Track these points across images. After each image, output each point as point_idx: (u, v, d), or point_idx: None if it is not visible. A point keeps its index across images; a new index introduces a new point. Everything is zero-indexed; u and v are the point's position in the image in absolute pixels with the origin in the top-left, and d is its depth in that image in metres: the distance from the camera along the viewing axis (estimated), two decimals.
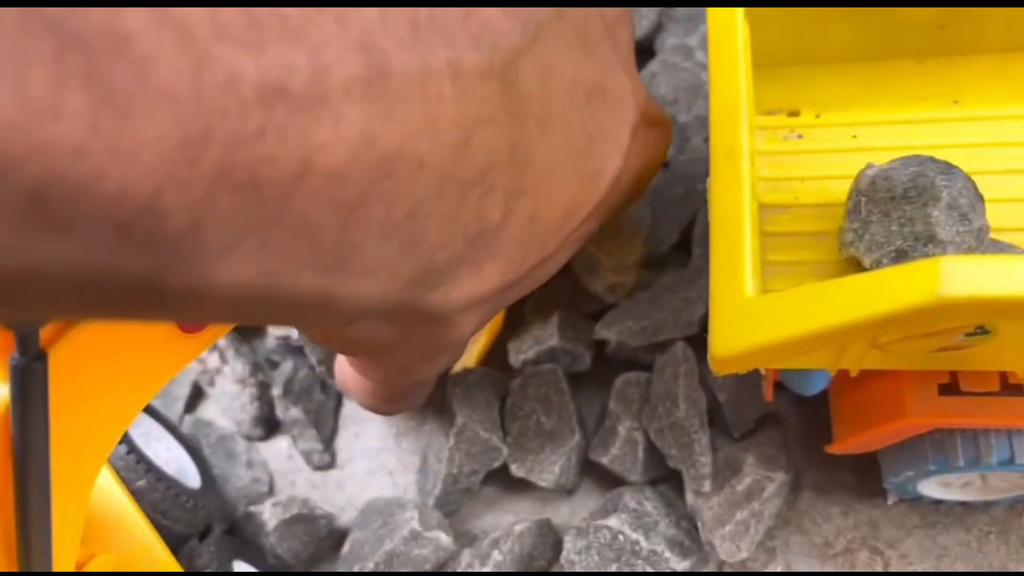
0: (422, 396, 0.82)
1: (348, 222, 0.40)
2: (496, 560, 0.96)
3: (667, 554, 0.93)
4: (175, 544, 0.95)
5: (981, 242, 0.75)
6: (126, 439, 0.93)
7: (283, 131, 0.35)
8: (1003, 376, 0.78)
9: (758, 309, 0.64)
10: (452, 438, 1.01)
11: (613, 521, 0.94)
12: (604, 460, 1.00)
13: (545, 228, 0.57)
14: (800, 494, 1.00)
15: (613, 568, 0.93)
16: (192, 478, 1.05)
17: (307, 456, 1.13)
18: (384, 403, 0.77)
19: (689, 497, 0.97)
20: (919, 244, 0.73)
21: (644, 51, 1.25)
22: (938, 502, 0.96)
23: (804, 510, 1.00)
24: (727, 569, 0.97)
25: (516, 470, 1.03)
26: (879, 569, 0.95)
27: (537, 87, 0.54)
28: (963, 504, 0.96)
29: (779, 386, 0.89)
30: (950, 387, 0.78)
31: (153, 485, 0.93)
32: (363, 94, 0.37)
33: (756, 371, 0.99)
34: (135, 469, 0.93)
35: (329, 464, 1.14)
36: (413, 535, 0.96)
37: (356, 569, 0.97)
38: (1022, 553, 0.94)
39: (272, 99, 0.34)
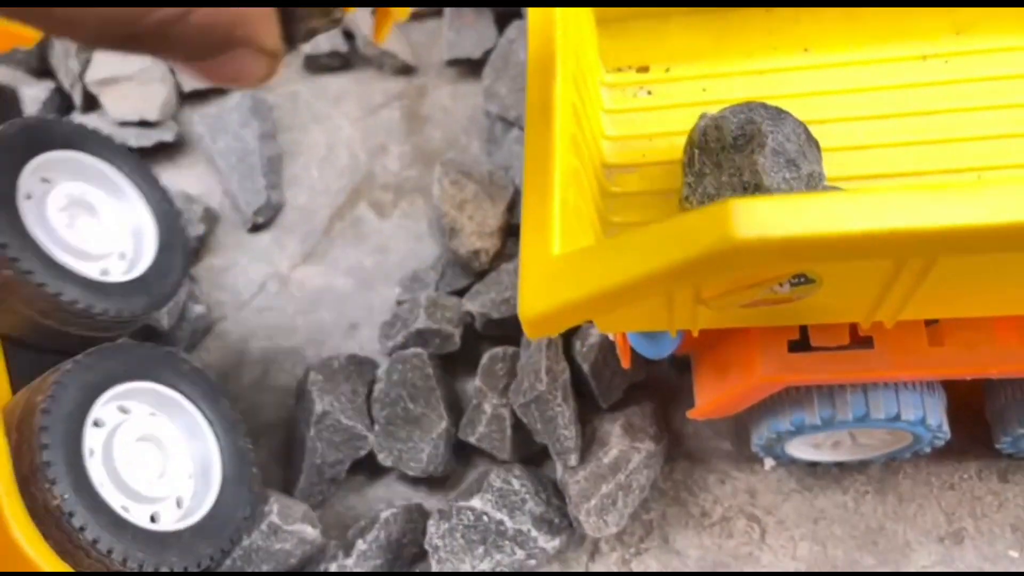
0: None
1: None
2: (361, 549, 0.92)
3: (534, 533, 0.89)
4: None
5: (813, 188, 0.72)
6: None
7: None
8: (852, 329, 0.75)
9: (563, 267, 0.61)
10: (313, 428, 0.97)
11: (476, 502, 0.90)
12: (472, 440, 0.96)
13: None
14: (677, 464, 0.97)
15: (480, 550, 0.90)
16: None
17: None
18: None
19: (558, 472, 0.93)
20: (747, 193, 0.70)
21: (510, 15, 1.23)
22: (814, 464, 0.94)
23: (681, 480, 0.96)
24: (602, 543, 0.93)
25: (384, 459, 0.98)
26: (756, 536, 0.92)
27: None
28: (839, 465, 0.94)
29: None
30: (800, 343, 0.75)
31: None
32: None
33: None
34: None
35: None
36: (272, 529, 0.91)
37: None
38: (899, 511, 0.91)
39: None
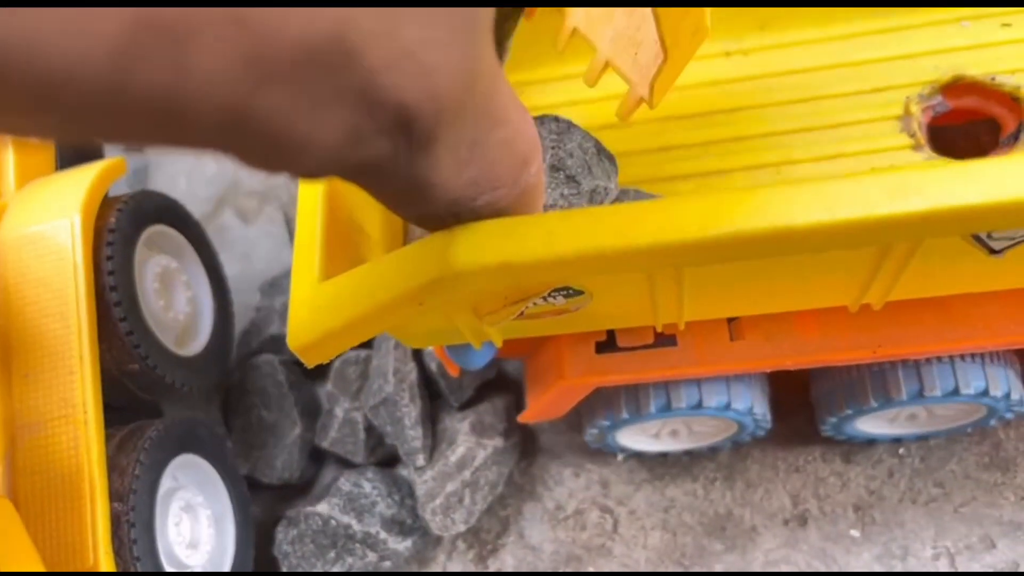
0: None
1: None
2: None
3: (383, 535, 0.89)
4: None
5: (597, 203, 0.71)
6: None
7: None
8: (656, 329, 0.76)
9: (322, 296, 0.61)
10: None
11: (323, 507, 0.90)
12: (325, 444, 0.96)
13: (507, 159, 0.52)
14: (533, 459, 0.98)
15: (331, 555, 0.90)
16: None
17: None
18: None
19: (406, 473, 0.94)
20: None
21: None
22: (665, 454, 0.95)
23: (537, 475, 0.97)
24: (459, 541, 0.94)
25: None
26: (608, 527, 0.93)
27: None
28: (689, 454, 0.95)
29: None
30: (607, 344, 0.76)
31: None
32: None
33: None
34: None
35: None
36: None
37: None
38: (746, 496, 0.92)
39: None
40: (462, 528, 0.90)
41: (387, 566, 0.92)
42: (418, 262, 0.55)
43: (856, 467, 0.91)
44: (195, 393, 0.88)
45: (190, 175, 1.22)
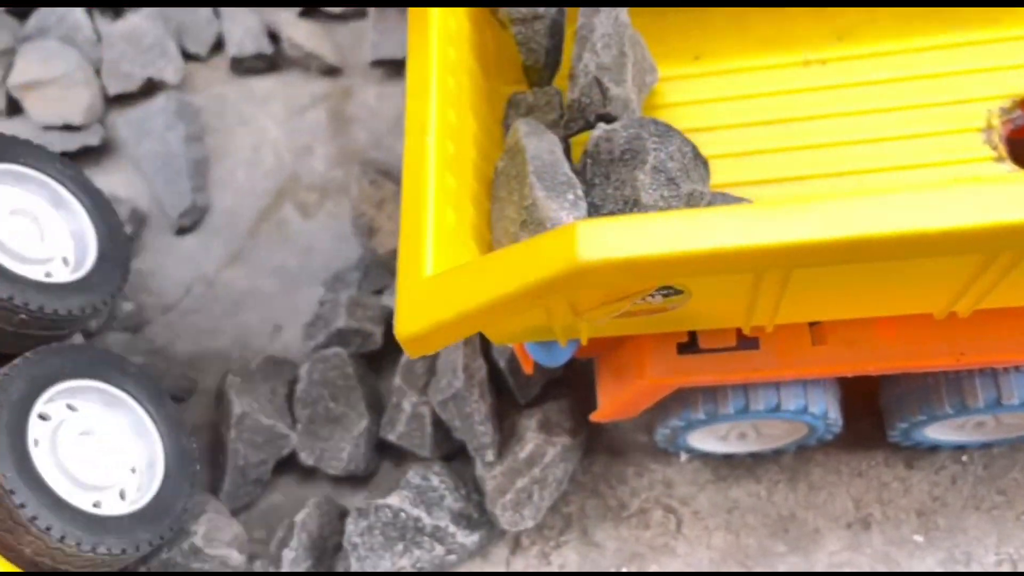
0: None
1: None
2: (289, 558, 0.92)
3: (452, 528, 0.90)
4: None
5: (693, 207, 0.72)
6: None
7: None
8: (739, 331, 0.77)
9: (434, 288, 0.62)
10: (233, 430, 0.97)
11: (394, 499, 0.91)
12: (392, 438, 0.97)
13: None
14: (595, 458, 0.99)
15: (399, 547, 0.91)
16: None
17: None
18: None
19: (476, 468, 0.95)
20: (627, 208, 0.70)
21: None
22: (729, 456, 0.96)
23: (599, 473, 0.98)
24: (522, 537, 0.95)
25: (305, 458, 0.99)
26: (672, 527, 0.94)
27: None
28: (753, 456, 0.96)
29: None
30: (689, 345, 0.77)
31: None
32: None
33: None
34: None
35: None
36: (192, 550, 0.91)
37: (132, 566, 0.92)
38: (809, 499, 0.93)
39: None
40: (530, 524, 0.91)
41: (452, 560, 0.93)
42: (541, 256, 0.56)
43: (919, 473, 0.93)
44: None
45: (249, 167, 1.23)
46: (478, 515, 0.93)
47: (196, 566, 0.92)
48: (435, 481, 0.93)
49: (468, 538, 0.91)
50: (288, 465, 1.03)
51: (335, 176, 1.20)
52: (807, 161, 0.80)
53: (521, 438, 0.93)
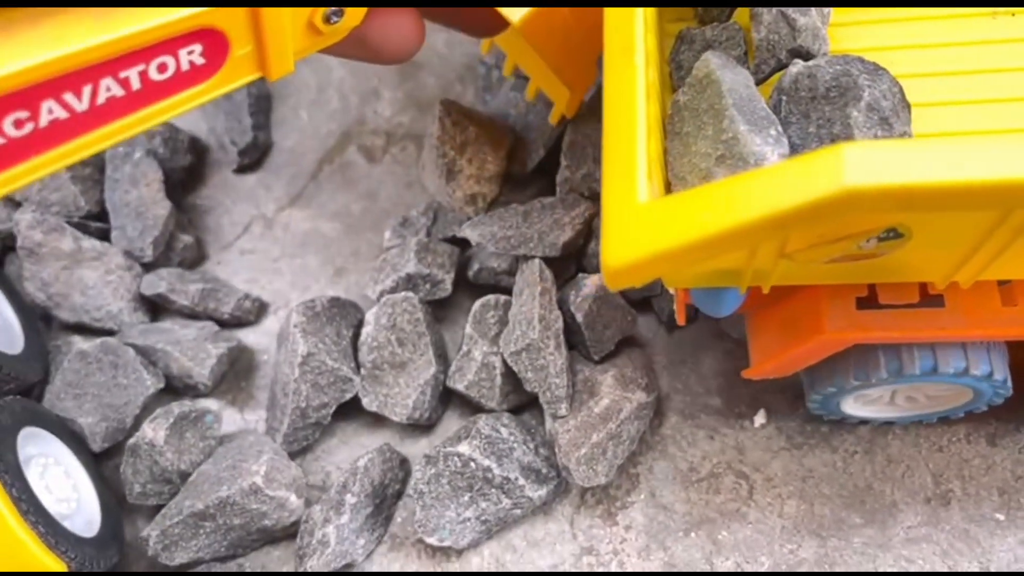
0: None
1: None
2: (351, 503, 0.90)
3: (521, 481, 0.88)
4: None
5: None
6: None
7: None
8: (922, 287, 0.73)
9: (651, 215, 0.57)
10: (297, 369, 0.94)
11: (464, 448, 0.88)
12: (461, 387, 0.95)
13: None
14: (665, 419, 0.96)
15: (466, 498, 0.88)
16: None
17: None
18: None
19: (547, 422, 0.92)
20: None
21: None
22: (804, 424, 0.93)
23: (669, 435, 0.96)
24: (588, 495, 0.92)
25: (368, 403, 0.97)
26: (744, 493, 0.92)
27: None
28: (829, 425, 0.93)
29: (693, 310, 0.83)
30: (868, 300, 0.74)
31: None
32: None
33: (616, 294, 0.95)
34: None
35: None
36: (253, 490, 0.89)
37: (187, 504, 0.90)
38: (887, 471, 0.91)
39: None
40: (603, 480, 0.88)
41: (518, 514, 0.90)
42: (799, 181, 0.51)
43: (1002, 451, 0.90)
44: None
45: (313, 107, 1.19)
46: (546, 469, 0.90)
47: (255, 507, 0.89)
48: (504, 433, 0.90)
49: (536, 492, 0.89)
50: (347, 410, 1.00)
51: (402, 121, 1.17)
52: (993, 114, 0.76)
53: (595, 392, 0.90)
